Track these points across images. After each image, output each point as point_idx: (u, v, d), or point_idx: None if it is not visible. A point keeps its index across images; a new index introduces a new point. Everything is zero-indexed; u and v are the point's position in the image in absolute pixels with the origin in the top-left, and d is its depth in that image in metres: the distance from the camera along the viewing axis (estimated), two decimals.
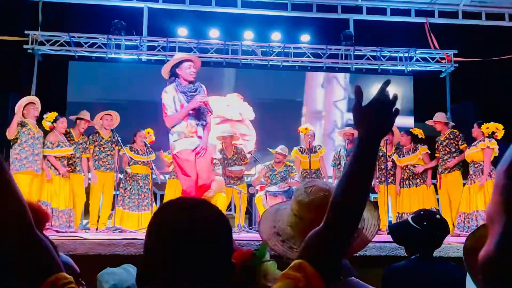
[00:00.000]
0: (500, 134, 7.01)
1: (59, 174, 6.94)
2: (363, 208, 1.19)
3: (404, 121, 10.60)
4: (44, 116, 7.07)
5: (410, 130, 8.19)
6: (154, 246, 1.07)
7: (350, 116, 10.74)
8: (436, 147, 7.79)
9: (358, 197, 1.17)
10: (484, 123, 7.13)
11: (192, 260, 1.03)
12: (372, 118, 1.19)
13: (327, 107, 11.01)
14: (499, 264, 0.65)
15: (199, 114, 5.16)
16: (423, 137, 7.97)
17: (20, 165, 6.58)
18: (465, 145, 7.44)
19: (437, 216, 2.67)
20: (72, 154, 7.18)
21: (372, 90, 10.89)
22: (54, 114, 7.12)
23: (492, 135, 7.02)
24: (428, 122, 7.94)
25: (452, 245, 4.47)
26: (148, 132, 7.81)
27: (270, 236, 1.65)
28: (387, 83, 1.22)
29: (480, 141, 7.03)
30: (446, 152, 7.56)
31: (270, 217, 1.71)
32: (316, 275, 1.09)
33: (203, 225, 1.07)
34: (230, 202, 7.97)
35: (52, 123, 7.07)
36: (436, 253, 2.65)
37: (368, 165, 1.18)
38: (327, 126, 10.86)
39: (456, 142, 7.58)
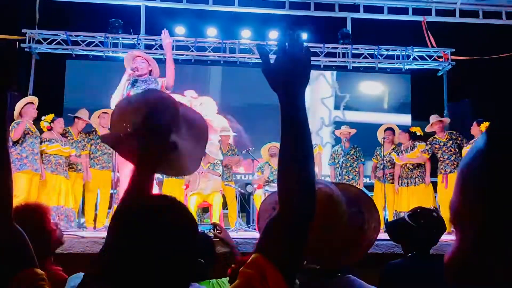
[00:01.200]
0: None
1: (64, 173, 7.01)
2: (309, 181, 1.06)
3: (402, 119, 10.64)
4: (42, 118, 7.06)
5: (409, 128, 8.22)
6: (111, 246, 1.05)
7: (338, 114, 10.90)
8: (436, 148, 7.70)
9: (301, 168, 1.05)
10: (484, 122, 7.13)
11: (156, 261, 1.00)
12: (288, 76, 1.07)
13: (314, 104, 11.02)
14: (473, 266, 0.62)
15: None
16: (422, 134, 7.97)
17: (21, 164, 6.58)
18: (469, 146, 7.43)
19: (434, 214, 2.68)
20: (69, 152, 7.18)
21: (360, 87, 10.97)
22: (51, 116, 7.13)
23: None
24: (428, 129, 7.91)
25: (449, 242, 4.48)
26: None
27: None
28: (292, 30, 1.09)
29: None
30: (452, 153, 7.54)
31: (268, 211, 1.62)
32: (271, 269, 0.98)
33: (163, 230, 1.03)
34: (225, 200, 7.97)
35: (50, 123, 7.07)
36: (433, 251, 2.66)
37: (300, 127, 1.06)
38: (314, 124, 10.85)
39: (458, 142, 7.57)
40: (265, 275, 0.97)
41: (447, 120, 7.98)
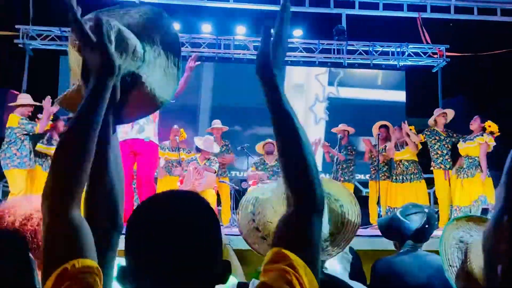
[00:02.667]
0: (495, 135, 7.01)
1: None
2: (315, 165, 1.07)
3: (396, 96, 10.70)
4: (40, 116, 6.99)
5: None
6: (138, 243, 0.97)
7: (332, 90, 10.90)
8: (435, 139, 7.64)
9: (307, 154, 1.07)
10: (487, 120, 7.10)
11: (181, 259, 0.94)
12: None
13: (308, 80, 11.05)
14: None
15: None
16: (415, 132, 7.98)
17: (20, 162, 6.56)
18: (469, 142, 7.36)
19: (425, 210, 2.68)
20: None
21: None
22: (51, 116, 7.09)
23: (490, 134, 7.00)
24: (431, 123, 7.83)
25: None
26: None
27: (249, 231, 1.53)
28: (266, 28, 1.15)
29: (478, 135, 6.99)
30: (448, 149, 7.52)
31: (249, 207, 1.57)
32: (298, 260, 0.99)
33: (193, 220, 0.98)
34: (218, 197, 7.97)
35: (53, 121, 7.03)
36: (425, 247, 2.67)
37: (282, 109, 1.09)
38: (308, 100, 10.86)
39: (453, 140, 7.53)
40: (294, 266, 0.98)
41: (451, 113, 7.77)
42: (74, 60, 1.31)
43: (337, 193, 1.60)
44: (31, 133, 6.65)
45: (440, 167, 7.49)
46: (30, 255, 1.29)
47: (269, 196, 1.51)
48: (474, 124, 7.09)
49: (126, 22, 1.37)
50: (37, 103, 6.93)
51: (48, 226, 1.00)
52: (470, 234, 1.59)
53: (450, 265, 1.60)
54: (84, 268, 0.97)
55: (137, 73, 1.29)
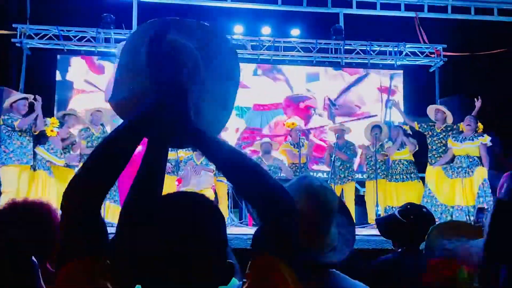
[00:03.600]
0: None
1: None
2: (275, 184, 1.10)
3: (394, 114, 10.69)
4: (47, 120, 6.98)
5: (400, 125, 8.30)
6: (143, 241, 0.99)
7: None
8: (429, 136, 7.67)
9: (264, 182, 1.10)
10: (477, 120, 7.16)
11: (185, 258, 0.96)
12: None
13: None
14: None
15: None
16: (411, 133, 8.01)
17: (6, 159, 6.58)
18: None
19: (424, 210, 2.69)
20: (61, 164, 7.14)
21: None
22: (56, 121, 7.08)
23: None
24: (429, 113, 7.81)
25: None
26: None
27: None
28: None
29: (479, 135, 7.02)
30: (441, 144, 7.54)
31: None
32: (281, 265, 1.01)
33: (199, 220, 1.00)
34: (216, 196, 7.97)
35: (58, 128, 7.03)
36: (423, 246, 2.68)
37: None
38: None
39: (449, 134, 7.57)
40: (278, 271, 1.00)
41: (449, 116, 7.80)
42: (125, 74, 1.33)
43: None
44: (11, 128, 6.64)
45: (432, 163, 7.55)
46: (33, 258, 1.30)
47: None
48: (472, 125, 7.11)
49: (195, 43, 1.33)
50: (24, 95, 6.93)
51: (76, 221, 1.01)
52: (453, 242, 1.59)
53: None
54: (102, 264, 0.99)
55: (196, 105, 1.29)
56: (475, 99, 7.52)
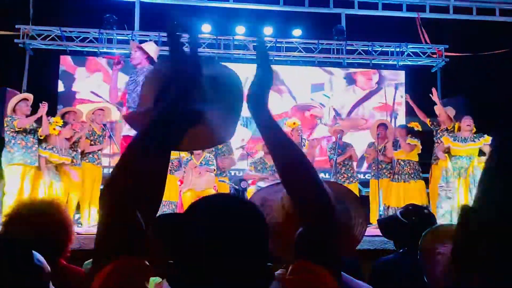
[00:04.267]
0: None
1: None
2: (320, 182, 1.11)
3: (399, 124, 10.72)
4: (50, 119, 6.99)
5: (407, 124, 8.30)
6: (190, 246, 0.99)
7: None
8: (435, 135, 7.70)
9: (309, 175, 1.11)
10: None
11: (233, 262, 0.96)
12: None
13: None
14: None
15: None
16: (420, 129, 7.96)
17: (11, 158, 6.59)
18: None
19: (425, 211, 2.71)
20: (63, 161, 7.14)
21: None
22: (60, 120, 7.08)
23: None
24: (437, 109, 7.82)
25: None
26: None
27: None
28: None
29: (479, 136, 7.01)
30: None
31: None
32: (324, 271, 1.02)
33: (246, 224, 1.01)
34: None
35: (61, 127, 7.04)
36: None
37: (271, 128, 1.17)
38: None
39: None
40: (320, 278, 1.01)
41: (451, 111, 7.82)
42: (148, 89, 1.34)
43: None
44: (13, 129, 6.66)
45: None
46: (39, 261, 1.30)
47: (275, 198, 1.49)
48: (472, 126, 7.12)
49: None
50: (22, 96, 6.95)
51: (118, 220, 1.01)
52: (446, 245, 1.60)
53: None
54: (141, 264, 0.99)
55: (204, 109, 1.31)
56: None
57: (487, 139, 6.94)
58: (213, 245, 0.96)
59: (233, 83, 1.42)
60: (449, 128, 7.51)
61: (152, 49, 5.51)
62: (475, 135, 7.04)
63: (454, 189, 7.16)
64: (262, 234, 1.03)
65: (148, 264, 0.99)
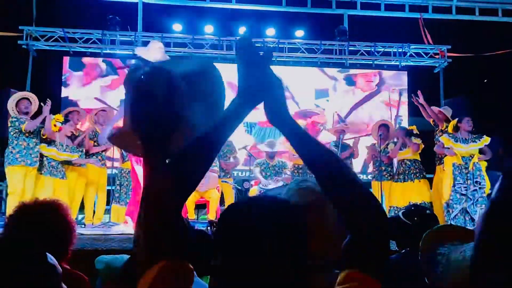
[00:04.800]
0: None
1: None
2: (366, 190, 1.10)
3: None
4: (52, 116, 7.00)
5: (405, 127, 8.31)
6: (229, 249, 1.00)
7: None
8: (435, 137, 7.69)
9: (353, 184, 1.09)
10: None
11: (276, 262, 0.98)
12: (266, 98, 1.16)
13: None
14: None
15: None
16: (417, 132, 7.99)
17: (12, 159, 6.61)
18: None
19: (427, 211, 2.72)
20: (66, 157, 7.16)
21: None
22: (61, 117, 7.11)
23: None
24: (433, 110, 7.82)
25: None
26: None
27: None
28: (245, 44, 1.18)
29: (479, 137, 7.01)
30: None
31: None
32: (371, 281, 1.02)
33: (286, 224, 1.02)
34: (222, 197, 8.00)
35: (62, 124, 7.05)
36: None
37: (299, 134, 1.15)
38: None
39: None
40: (368, 286, 1.01)
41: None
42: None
43: None
44: (19, 130, 6.68)
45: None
46: (52, 260, 1.31)
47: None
48: (472, 127, 7.13)
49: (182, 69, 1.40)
50: (21, 96, 6.96)
51: (163, 223, 1.02)
52: (446, 246, 1.60)
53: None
54: (185, 266, 1.00)
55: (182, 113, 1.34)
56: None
57: (486, 140, 6.96)
58: (259, 245, 0.98)
59: (211, 77, 1.45)
60: (442, 128, 7.52)
61: (156, 48, 5.44)
62: (475, 136, 7.04)
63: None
64: (304, 234, 1.04)
65: (192, 266, 1.01)
